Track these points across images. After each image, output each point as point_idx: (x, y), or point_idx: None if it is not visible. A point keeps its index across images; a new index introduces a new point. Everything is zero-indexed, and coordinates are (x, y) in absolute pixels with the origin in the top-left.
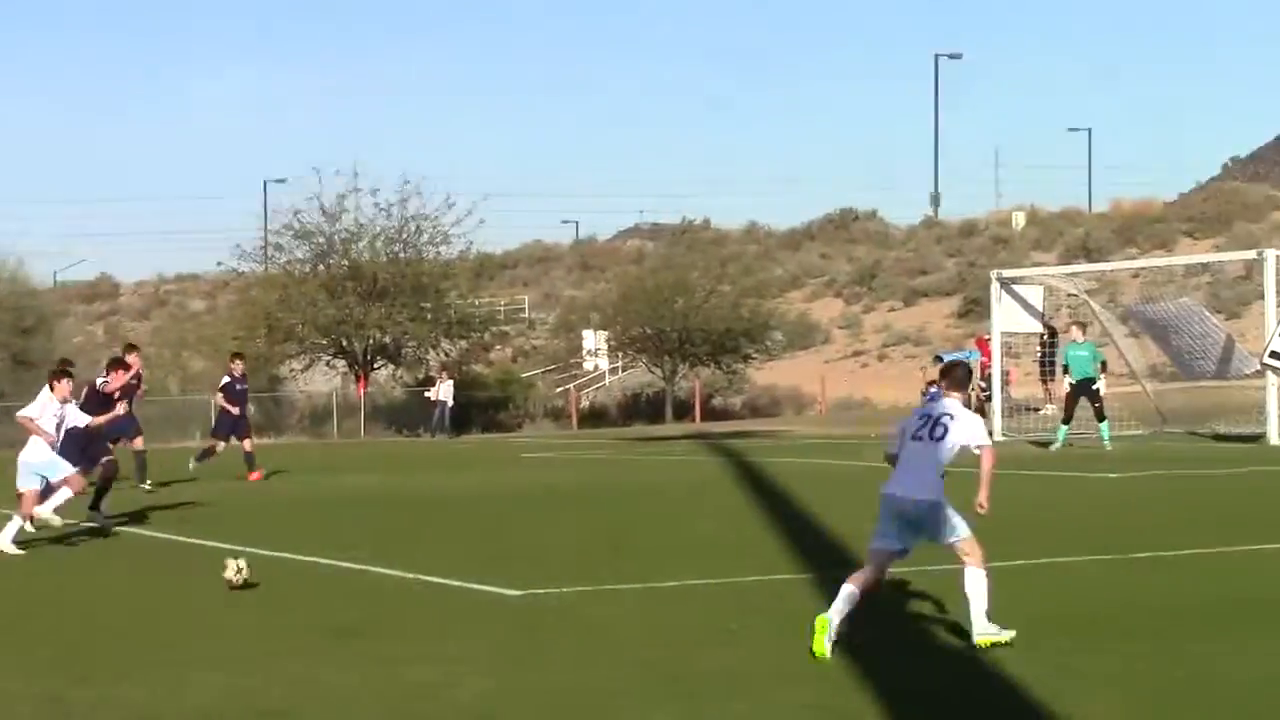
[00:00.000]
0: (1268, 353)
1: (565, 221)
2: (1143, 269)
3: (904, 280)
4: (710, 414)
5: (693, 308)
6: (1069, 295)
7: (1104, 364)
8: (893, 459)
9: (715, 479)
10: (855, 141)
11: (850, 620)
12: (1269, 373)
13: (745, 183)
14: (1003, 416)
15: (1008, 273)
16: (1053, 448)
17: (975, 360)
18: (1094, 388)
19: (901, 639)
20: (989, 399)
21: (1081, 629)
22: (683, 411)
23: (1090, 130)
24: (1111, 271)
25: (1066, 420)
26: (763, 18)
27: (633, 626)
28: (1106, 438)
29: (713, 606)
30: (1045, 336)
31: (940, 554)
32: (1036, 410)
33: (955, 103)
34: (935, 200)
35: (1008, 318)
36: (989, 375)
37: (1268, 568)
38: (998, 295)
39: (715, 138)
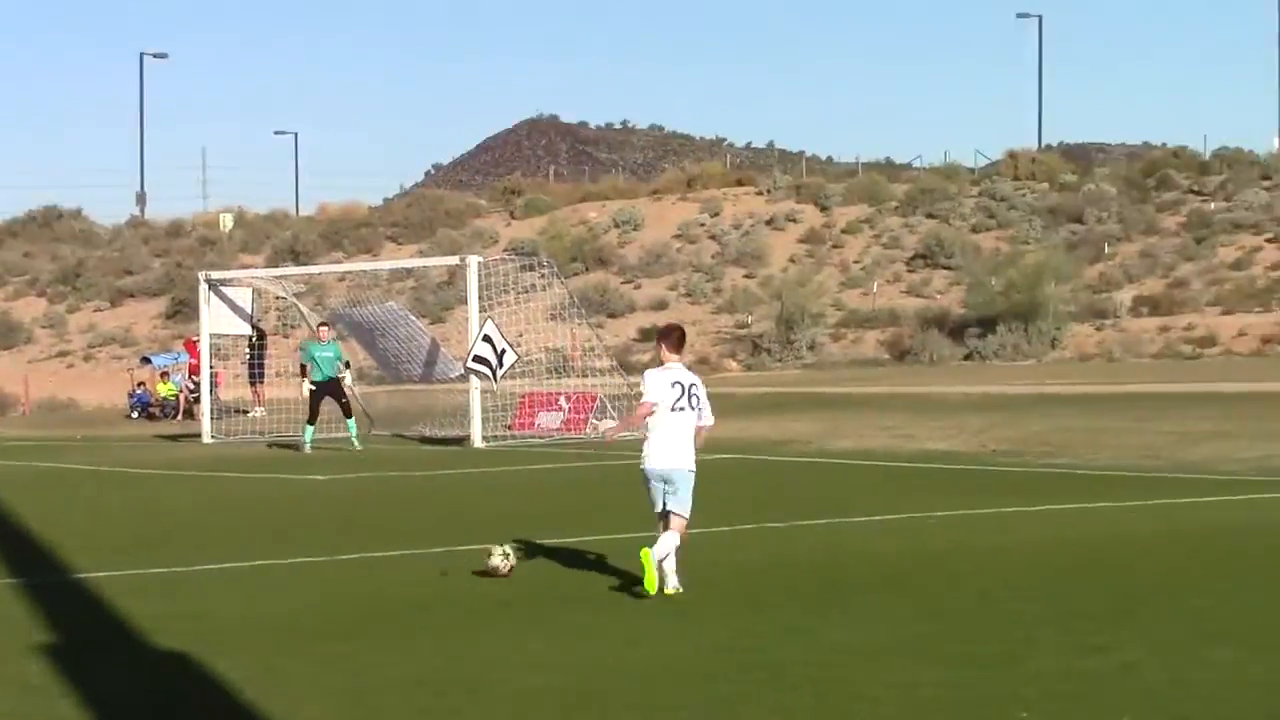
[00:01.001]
0: (471, 357)
1: None
2: (349, 272)
3: (110, 280)
4: None
5: None
6: (278, 298)
7: (347, 363)
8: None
9: None
10: (60, 139)
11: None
12: (472, 376)
13: None
14: (211, 419)
15: (216, 274)
16: (305, 449)
17: (184, 362)
18: (341, 386)
19: (112, 643)
20: (197, 400)
21: (282, 630)
22: None
23: (297, 134)
24: (319, 274)
25: (311, 420)
26: None
27: None
28: (355, 435)
29: None
30: (254, 339)
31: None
32: (246, 412)
33: (162, 103)
34: (141, 200)
35: (217, 320)
36: (198, 378)
37: (477, 566)
38: (206, 297)
39: None
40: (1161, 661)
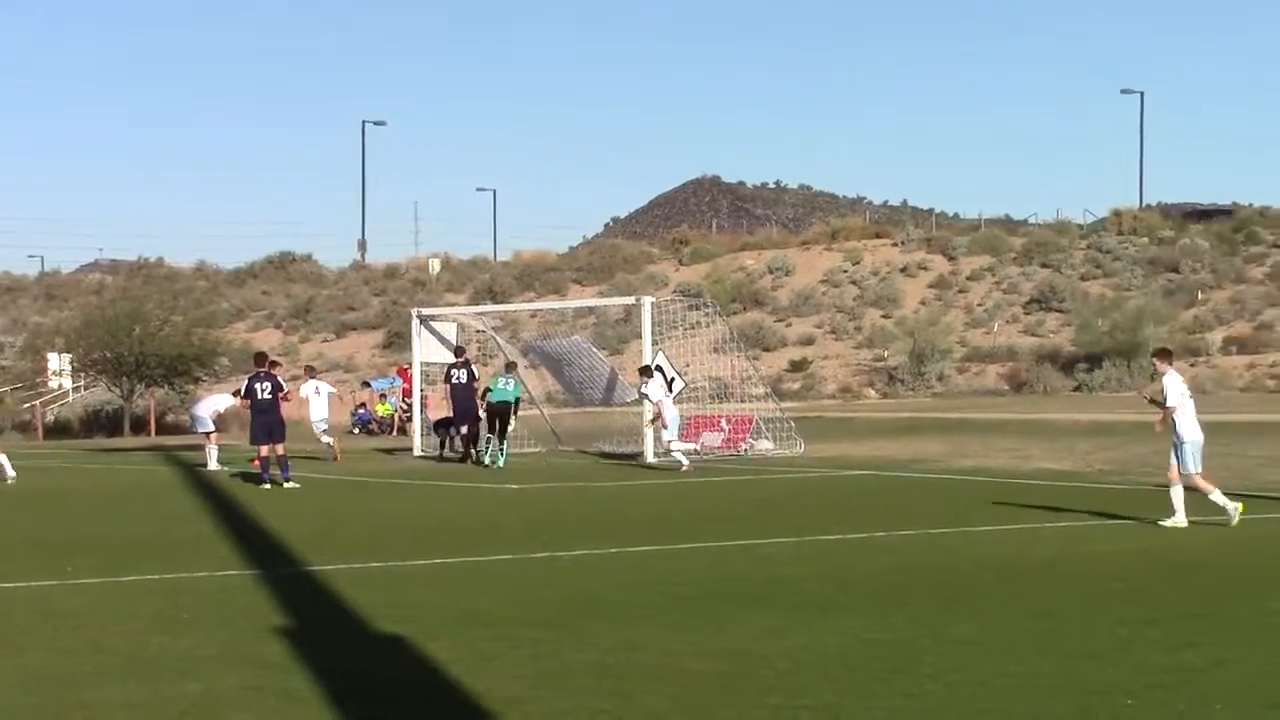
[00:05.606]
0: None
1: (31, 255)
2: (539, 310)
3: (335, 315)
4: (164, 429)
5: (148, 335)
6: (478, 331)
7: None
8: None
9: (169, 485)
10: (293, 193)
11: None
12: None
13: (194, 225)
14: (421, 435)
15: (426, 310)
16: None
17: (398, 386)
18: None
19: (339, 627)
20: (409, 419)
21: (484, 619)
22: (139, 426)
23: (495, 190)
24: (514, 311)
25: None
26: (207, 84)
27: (96, 615)
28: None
29: (166, 598)
30: None
31: (391, 553)
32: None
33: (381, 163)
34: (362, 247)
35: (426, 349)
36: (410, 400)
37: (652, 565)
38: (418, 330)
39: (167, 183)
40: (1249, 656)
